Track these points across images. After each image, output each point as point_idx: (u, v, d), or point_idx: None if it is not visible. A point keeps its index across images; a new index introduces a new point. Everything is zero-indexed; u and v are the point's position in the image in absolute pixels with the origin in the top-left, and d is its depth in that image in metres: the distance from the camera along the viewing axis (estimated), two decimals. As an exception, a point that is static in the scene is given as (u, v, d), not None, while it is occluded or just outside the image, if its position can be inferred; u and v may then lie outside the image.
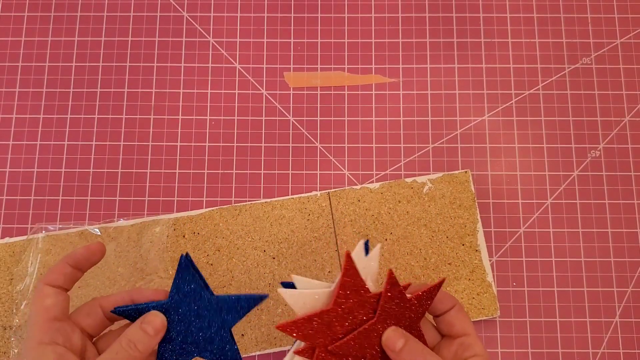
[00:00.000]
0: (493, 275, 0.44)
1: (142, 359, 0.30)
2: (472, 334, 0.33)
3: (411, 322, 0.33)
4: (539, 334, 0.44)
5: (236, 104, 0.48)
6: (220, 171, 0.47)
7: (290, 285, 0.32)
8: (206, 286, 0.34)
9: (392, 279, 0.32)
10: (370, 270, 0.33)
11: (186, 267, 0.33)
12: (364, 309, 0.32)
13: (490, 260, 0.45)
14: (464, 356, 0.33)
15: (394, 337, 0.31)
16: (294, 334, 0.31)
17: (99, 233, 0.44)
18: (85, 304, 0.32)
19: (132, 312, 0.32)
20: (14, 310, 0.42)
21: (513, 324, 0.44)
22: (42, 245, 0.43)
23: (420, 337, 0.34)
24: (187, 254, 0.33)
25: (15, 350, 0.41)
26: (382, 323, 0.32)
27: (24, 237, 0.44)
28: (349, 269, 0.32)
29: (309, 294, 0.32)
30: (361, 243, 0.33)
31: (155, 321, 0.31)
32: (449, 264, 0.44)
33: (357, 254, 0.33)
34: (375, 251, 0.34)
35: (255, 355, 0.43)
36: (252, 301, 0.33)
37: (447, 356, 0.34)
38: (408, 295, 0.33)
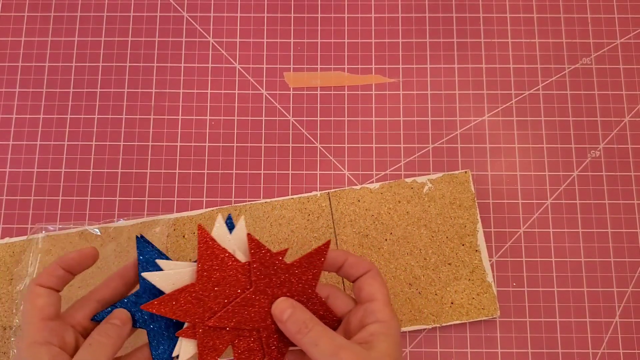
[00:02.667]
0: (493, 275, 0.44)
1: (115, 347, 0.31)
2: (380, 300, 0.32)
3: (300, 289, 0.33)
4: (539, 334, 0.44)
5: (236, 104, 0.48)
6: (220, 171, 0.47)
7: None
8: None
9: (253, 243, 0.32)
10: (239, 242, 0.33)
11: (143, 249, 0.34)
12: (239, 282, 0.32)
13: (490, 261, 0.45)
14: (365, 322, 0.32)
15: (281, 307, 0.31)
16: (162, 312, 0.31)
17: (99, 233, 0.44)
18: (79, 299, 0.33)
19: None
20: (14, 311, 0.42)
21: (513, 324, 0.44)
22: (42, 246, 0.43)
23: (319, 303, 0.34)
24: (141, 236, 0.34)
25: (16, 351, 0.41)
26: (263, 293, 0.32)
27: (24, 237, 0.44)
28: (203, 239, 0.32)
29: (175, 273, 0.32)
30: (220, 219, 0.33)
31: (121, 314, 0.32)
32: (449, 264, 0.44)
33: (218, 231, 0.33)
34: (240, 224, 0.34)
35: None
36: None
37: (354, 322, 0.33)
38: (288, 261, 0.33)
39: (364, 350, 0.30)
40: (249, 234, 0.33)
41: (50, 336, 0.29)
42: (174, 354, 0.33)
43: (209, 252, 0.32)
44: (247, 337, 0.33)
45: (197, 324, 0.32)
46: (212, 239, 0.33)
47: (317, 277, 0.34)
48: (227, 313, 0.32)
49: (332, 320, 0.34)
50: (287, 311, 0.31)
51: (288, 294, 0.33)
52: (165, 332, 0.33)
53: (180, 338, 0.33)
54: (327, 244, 0.34)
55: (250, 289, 0.32)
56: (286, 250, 0.34)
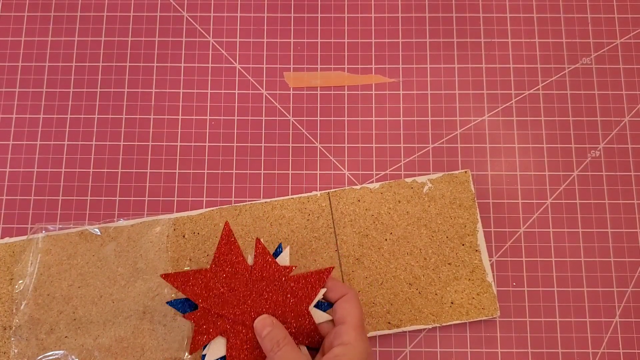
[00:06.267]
0: (493, 275, 0.44)
1: None
2: (348, 323, 0.35)
3: (293, 303, 0.37)
4: (539, 334, 0.44)
5: (236, 104, 0.48)
6: (220, 171, 0.47)
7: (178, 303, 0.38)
8: None
9: (259, 248, 0.37)
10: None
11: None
12: (243, 278, 0.37)
13: (490, 260, 0.45)
14: (334, 344, 0.34)
15: (263, 323, 0.35)
16: (174, 284, 0.36)
17: (99, 233, 0.44)
18: None
19: (180, 303, 0.37)
20: (14, 310, 0.42)
21: (513, 324, 0.44)
22: (42, 245, 0.43)
23: (307, 322, 0.36)
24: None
25: (16, 350, 0.41)
26: (258, 294, 0.36)
27: (24, 237, 0.44)
28: (227, 235, 0.37)
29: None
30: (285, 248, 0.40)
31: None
32: (449, 264, 0.44)
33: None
34: (285, 251, 0.39)
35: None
36: None
37: (327, 344, 0.35)
38: (291, 274, 0.37)
39: None
40: (257, 239, 0.38)
41: None
42: (203, 352, 0.36)
43: (227, 248, 0.37)
44: (239, 333, 0.36)
45: (200, 307, 0.36)
46: (234, 238, 0.38)
47: (311, 298, 0.37)
48: (219, 299, 0.36)
49: (318, 341, 0.37)
50: (266, 328, 0.35)
51: (282, 304, 0.36)
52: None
53: (212, 341, 0.36)
54: (329, 270, 0.37)
55: (246, 286, 0.36)
56: (292, 267, 0.37)
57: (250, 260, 0.38)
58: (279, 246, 0.39)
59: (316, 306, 0.37)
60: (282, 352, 0.34)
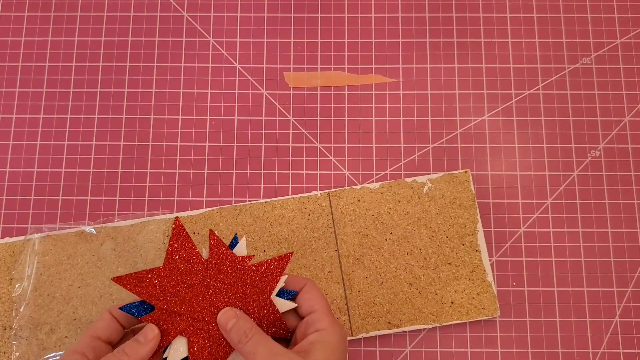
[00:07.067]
0: (493, 275, 0.44)
1: None
2: (319, 310, 0.34)
3: (254, 293, 0.35)
4: (539, 333, 0.44)
5: (236, 104, 0.48)
6: (220, 171, 0.47)
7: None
8: None
9: (213, 239, 0.36)
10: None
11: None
12: (199, 274, 0.35)
13: (490, 260, 0.45)
14: (307, 333, 0.33)
15: (226, 316, 0.33)
16: (127, 287, 0.34)
17: (94, 232, 0.44)
18: (98, 319, 0.34)
19: (134, 307, 0.35)
20: (14, 314, 0.42)
21: (513, 324, 0.44)
22: (40, 246, 0.43)
23: (271, 312, 0.35)
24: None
25: (17, 354, 0.41)
26: (217, 288, 0.35)
27: (22, 238, 0.44)
28: (178, 230, 0.36)
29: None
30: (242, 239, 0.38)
31: (147, 332, 0.33)
32: (449, 263, 0.44)
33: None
34: (241, 242, 0.37)
35: None
36: None
37: (299, 336, 0.34)
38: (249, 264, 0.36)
39: (301, 359, 0.31)
40: (211, 231, 0.36)
41: (88, 350, 0.32)
42: (164, 356, 0.34)
43: (180, 243, 0.35)
44: (201, 330, 0.34)
45: (156, 307, 0.34)
46: (186, 232, 0.36)
47: (272, 286, 0.36)
48: (176, 297, 0.34)
49: (284, 331, 0.36)
50: (231, 321, 0.33)
51: (242, 295, 0.35)
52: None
53: (172, 341, 0.34)
54: (289, 255, 0.36)
55: (203, 281, 0.35)
56: (251, 257, 0.36)
57: (205, 254, 0.36)
58: (235, 237, 0.37)
59: (279, 295, 0.36)
60: (252, 341, 0.32)
